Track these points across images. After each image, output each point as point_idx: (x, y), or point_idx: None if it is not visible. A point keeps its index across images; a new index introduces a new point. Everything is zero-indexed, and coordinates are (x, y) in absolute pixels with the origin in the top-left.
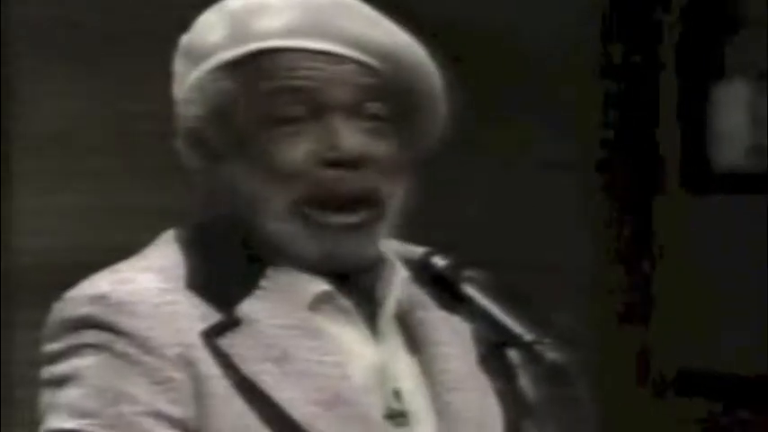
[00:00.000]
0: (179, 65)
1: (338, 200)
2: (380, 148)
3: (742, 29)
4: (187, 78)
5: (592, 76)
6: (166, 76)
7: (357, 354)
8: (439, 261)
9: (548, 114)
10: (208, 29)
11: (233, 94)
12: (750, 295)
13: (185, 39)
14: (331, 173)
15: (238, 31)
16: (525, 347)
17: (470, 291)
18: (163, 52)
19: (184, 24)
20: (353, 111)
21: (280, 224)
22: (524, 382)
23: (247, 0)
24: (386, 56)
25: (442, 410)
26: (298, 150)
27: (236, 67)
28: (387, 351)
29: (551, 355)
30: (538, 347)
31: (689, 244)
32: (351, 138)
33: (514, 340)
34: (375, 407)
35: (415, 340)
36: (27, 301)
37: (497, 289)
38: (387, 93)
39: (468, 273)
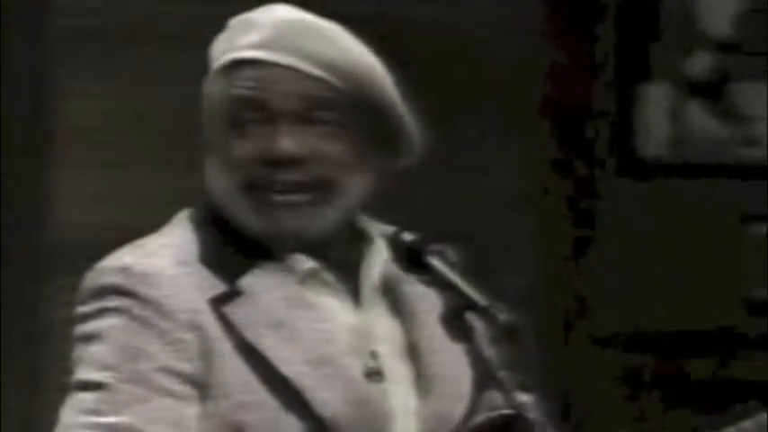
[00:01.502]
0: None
1: (276, 188)
2: (331, 147)
3: (664, 38)
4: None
5: (535, 76)
6: (188, 78)
7: (340, 321)
8: (407, 236)
9: (493, 113)
10: (218, 40)
11: (214, 97)
12: (672, 262)
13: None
14: (266, 170)
15: (229, 42)
16: (481, 311)
17: (434, 262)
18: (185, 57)
19: (204, 32)
20: (302, 117)
21: (231, 205)
22: (482, 340)
23: (247, 16)
24: (340, 71)
25: (422, 371)
26: (244, 149)
27: (221, 74)
28: (367, 318)
29: (503, 316)
30: (492, 310)
31: (620, 219)
32: (288, 141)
33: (472, 305)
34: (355, 366)
35: (397, 309)
36: (64, 269)
37: (456, 260)
38: (339, 102)
39: (432, 246)
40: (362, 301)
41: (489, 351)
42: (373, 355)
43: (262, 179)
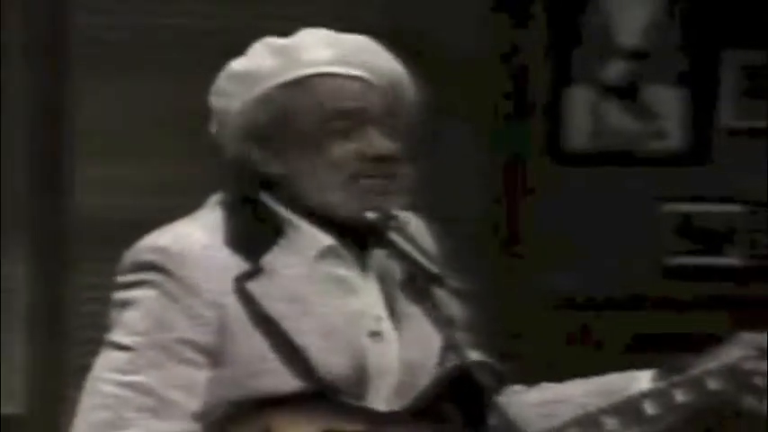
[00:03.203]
0: (231, 84)
1: (376, 179)
2: (398, 146)
3: (585, 48)
4: (245, 95)
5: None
6: (204, 79)
7: (351, 292)
8: (370, 215)
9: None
10: (260, 59)
11: (293, 107)
12: (595, 235)
13: (238, 65)
14: (368, 164)
15: (291, 60)
16: (434, 278)
17: (394, 237)
18: (196, 61)
19: (218, 36)
20: (381, 122)
21: (333, 196)
22: (435, 303)
23: (290, 38)
24: (391, 80)
25: (401, 331)
26: (347, 148)
27: (293, 87)
28: (372, 286)
29: (453, 282)
30: (443, 277)
31: (551, 199)
32: (382, 141)
33: (426, 273)
34: (361, 333)
35: (382, 277)
36: (90, 251)
37: (423, 227)
38: (394, 109)
39: (392, 222)
40: (368, 272)
41: (443, 313)
42: (377, 318)
43: (364, 172)
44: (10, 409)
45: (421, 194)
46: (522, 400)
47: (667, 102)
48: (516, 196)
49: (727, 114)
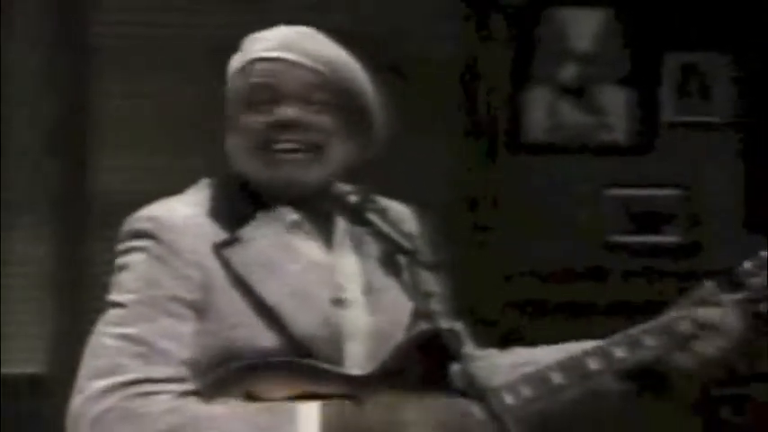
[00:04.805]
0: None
1: (280, 146)
2: (321, 119)
3: (542, 53)
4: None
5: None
6: (207, 79)
7: (316, 261)
8: (352, 198)
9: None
10: (236, 55)
11: (236, 89)
12: (550, 216)
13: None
14: (273, 132)
15: (246, 51)
16: (408, 253)
17: (371, 216)
18: (206, 62)
19: (222, 40)
20: (301, 97)
21: (246, 163)
22: (408, 275)
23: (260, 33)
24: (327, 63)
25: (373, 301)
26: (257, 119)
27: (242, 72)
28: (338, 258)
29: (424, 258)
30: (416, 253)
31: (512, 184)
32: (290, 110)
33: (401, 249)
34: (324, 296)
35: (359, 253)
36: (109, 230)
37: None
38: (327, 87)
39: (371, 204)
40: (334, 247)
41: (415, 284)
42: (340, 287)
43: (270, 139)
44: (33, 369)
45: (396, 180)
46: (494, 363)
47: (614, 99)
48: (479, 184)
49: (668, 110)
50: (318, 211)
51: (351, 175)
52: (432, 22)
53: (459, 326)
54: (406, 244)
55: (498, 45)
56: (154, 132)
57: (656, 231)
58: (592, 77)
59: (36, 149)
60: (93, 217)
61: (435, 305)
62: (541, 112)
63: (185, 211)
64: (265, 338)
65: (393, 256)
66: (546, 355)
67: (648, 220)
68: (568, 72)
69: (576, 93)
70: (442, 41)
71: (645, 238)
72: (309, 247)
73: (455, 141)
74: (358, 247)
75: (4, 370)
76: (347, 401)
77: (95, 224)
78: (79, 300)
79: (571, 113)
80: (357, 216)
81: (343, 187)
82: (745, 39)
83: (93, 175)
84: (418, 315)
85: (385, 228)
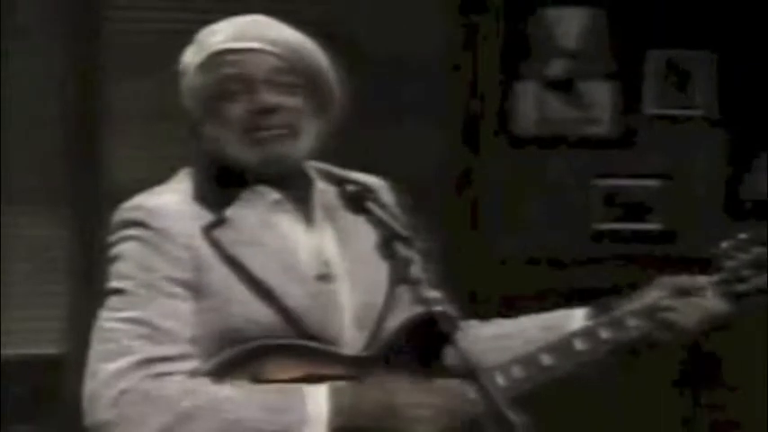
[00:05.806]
0: (180, 79)
1: (263, 129)
2: (293, 101)
3: (531, 51)
4: (183, 87)
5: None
6: None
7: (299, 238)
8: (351, 188)
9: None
10: (188, 50)
11: (201, 83)
12: (537, 204)
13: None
14: (255, 117)
15: (201, 46)
16: (404, 240)
17: (370, 205)
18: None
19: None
20: (271, 82)
21: (233, 150)
22: (402, 257)
23: (211, 26)
24: (288, 47)
25: (353, 270)
26: (236, 108)
27: (203, 67)
28: (319, 235)
29: (420, 243)
30: (412, 239)
31: (503, 175)
32: (266, 95)
33: (397, 236)
34: (310, 271)
35: (338, 230)
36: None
37: (392, 196)
38: (292, 70)
39: (369, 194)
40: (314, 224)
41: (412, 265)
42: (325, 263)
43: (255, 124)
44: (51, 349)
45: (393, 169)
46: (478, 334)
47: (600, 94)
48: (472, 173)
49: (651, 104)
50: (297, 189)
51: (344, 165)
52: (422, 17)
53: (452, 309)
54: (403, 231)
55: (490, 43)
56: (168, 124)
57: (640, 219)
58: (578, 73)
59: (52, 137)
60: (107, 202)
61: (429, 289)
62: (530, 106)
63: (172, 198)
64: (261, 314)
65: (390, 242)
66: (525, 325)
67: (630, 208)
68: (556, 68)
69: (564, 87)
70: (432, 36)
71: (629, 226)
72: (291, 225)
73: (446, 134)
74: (335, 223)
75: (22, 350)
76: (354, 383)
77: (109, 209)
78: (95, 282)
79: (558, 107)
80: (356, 205)
81: (316, 164)
82: (726, 36)
83: (108, 165)
84: (396, 285)
85: (382, 215)
